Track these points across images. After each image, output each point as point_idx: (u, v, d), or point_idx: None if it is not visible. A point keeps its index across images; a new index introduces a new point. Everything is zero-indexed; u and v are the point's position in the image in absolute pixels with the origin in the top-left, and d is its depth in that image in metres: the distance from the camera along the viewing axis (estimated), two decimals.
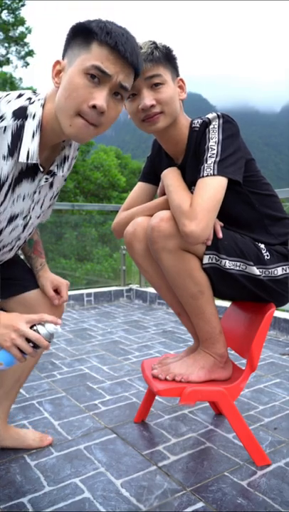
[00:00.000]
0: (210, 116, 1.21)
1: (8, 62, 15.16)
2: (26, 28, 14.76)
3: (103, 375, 2.04)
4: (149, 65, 1.16)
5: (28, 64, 15.49)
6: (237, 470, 1.25)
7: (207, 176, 1.13)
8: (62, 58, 0.98)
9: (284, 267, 1.26)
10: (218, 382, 1.26)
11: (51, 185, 1.16)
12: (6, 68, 15.15)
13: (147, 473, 1.24)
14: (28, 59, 15.42)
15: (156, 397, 1.70)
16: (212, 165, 1.14)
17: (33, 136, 0.97)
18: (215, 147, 1.16)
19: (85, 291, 3.84)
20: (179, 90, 1.25)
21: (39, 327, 0.98)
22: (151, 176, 1.43)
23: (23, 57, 15.30)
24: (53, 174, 1.10)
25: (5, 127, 0.93)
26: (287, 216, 1.33)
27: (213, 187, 1.12)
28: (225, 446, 1.38)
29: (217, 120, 1.19)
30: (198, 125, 1.23)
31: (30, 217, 1.16)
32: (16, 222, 1.12)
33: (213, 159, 1.14)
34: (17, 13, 14.50)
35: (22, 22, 14.60)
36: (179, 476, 1.22)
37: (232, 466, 1.27)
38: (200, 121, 1.24)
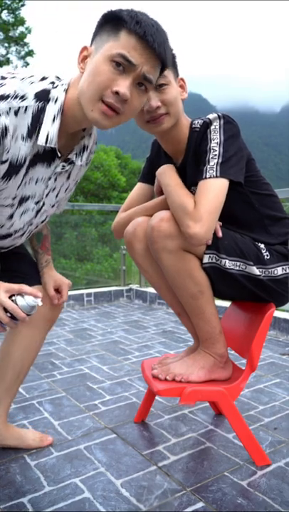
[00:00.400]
0: (211, 116, 1.21)
1: (8, 62, 15.16)
2: (26, 28, 14.75)
3: (103, 375, 2.04)
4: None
5: (28, 64, 15.48)
6: (237, 470, 1.25)
7: (210, 177, 1.13)
8: (91, 45, 0.97)
9: (284, 267, 1.26)
10: (218, 382, 1.26)
11: (68, 176, 1.15)
12: (6, 68, 15.16)
13: (147, 473, 1.24)
14: (28, 59, 15.41)
15: (156, 397, 1.70)
16: (215, 166, 1.14)
17: (54, 120, 0.96)
18: (217, 148, 1.16)
19: (85, 291, 3.84)
20: (181, 90, 1.25)
21: (18, 298, 0.97)
22: (151, 176, 1.44)
23: (23, 57, 15.29)
24: (71, 162, 1.09)
25: (26, 107, 0.93)
26: (287, 216, 1.33)
27: (216, 189, 1.12)
28: (225, 446, 1.38)
29: (218, 121, 1.19)
30: (198, 125, 1.23)
31: (44, 204, 1.14)
32: (27, 204, 1.10)
33: (215, 160, 1.14)
34: (17, 13, 14.50)
35: (22, 22, 14.60)
36: (179, 476, 1.22)
37: (232, 466, 1.27)
38: (200, 121, 1.23)
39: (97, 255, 6.04)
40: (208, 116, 1.22)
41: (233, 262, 1.20)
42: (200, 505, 1.10)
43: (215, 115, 1.21)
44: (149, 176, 1.44)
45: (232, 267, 1.20)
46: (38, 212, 1.15)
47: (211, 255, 1.20)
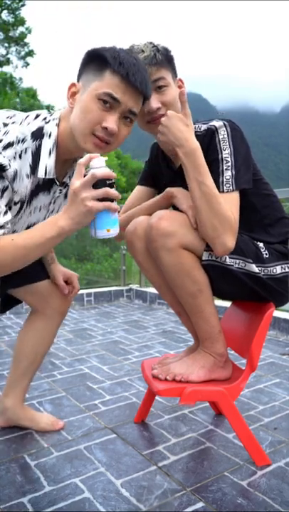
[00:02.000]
0: (216, 124, 1.21)
1: (8, 62, 15.17)
2: (26, 28, 14.77)
3: (103, 375, 2.04)
4: (153, 68, 1.19)
5: (28, 64, 15.50)
6: (237, 470, 1.25)
7: (228, 191, 1.16)
8: (78, 81, 1.07)
9: (283, 266, 1.26)
10: (218, 382, 1.26)
11: (65, 195, 1.22)
12: (6, 68, 15.17)
13: (147, 473, 1.24)
14: (28, 59, 15.44)
15: (156, 397, 1.70)
16: (230, 180, 1.17)
17: (50, 154, 1.06)
18: (229, 159, 1.18)
19: (85, 291, 3.84)
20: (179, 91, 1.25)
21: (89, 171, 0.93)
22: (150, 179, 1.46)
23: (23, 57, 15.31)
24: (66, 185, 1.19)
25: (26, 149, 1.03)
26: (287, 216, 1.34)
27: (235, 201, 1.17)
28: (225, 446, 1.38)
29: (225, 129, 1.20)
30: (199, 130, 1.23)
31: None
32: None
33: (229, 173, 1.17)
34: (17, 13, 14.52)
35: (22, 22, 14.62)
36: (179, 476, 1.22)
37: (232, 466, 1.27)
38: (204, 126, 1.23)
39: (97, 255, 6.04)
40: (213, 124, 1.21)
41: (233, 260, 1.20)
42: (200, 505, 1.10)
43: (220, 123, 1.21)
44: (148, 179, 1.46)
45: (232, 264, 1.20)
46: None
47: (211, 253, 1.20)
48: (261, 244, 1.25)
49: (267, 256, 1.24)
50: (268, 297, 1.28)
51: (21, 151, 1.01)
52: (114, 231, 0.97)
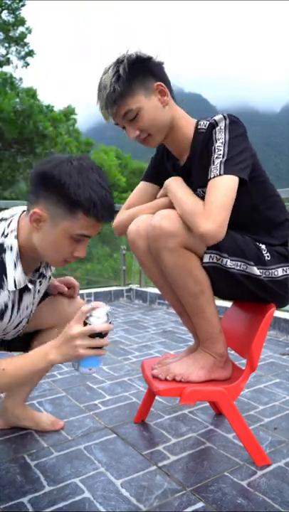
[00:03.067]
0: (216, 118, 1.21)
1: (8, 62, 15.16)
2: (26, 28, 14.76)
3: (103, 375, 2.04)
4: (115, 107, 1.19)
5: (28, 64, 15.49)
6: (237, 470, 1.25)
7: (214, 177, 1.13)
8: (37, 203, 1.05)
9: (284, 268, 1.26)
10: (218, 382, 1.26)
11: (44, 277, 1.28)
12: (6, 68, 15.15)
13: (147, 473, 1.24)
14: (28, 59, 15.42)
15: (156, 397, 1.70)
16: (218, 165, 1.14)
17: (15, 266, 1.10)
18: (221, 147, 1.16)
19: (85, 291, 3.84)
20: (160, 96, 1.23)
21: (90, 319, 1.00)
22: (154, 175, 1.43)
23: (23, 57, 15.30)
24: (43, 276, 1.26)
25: None
26: None
27: (223, 186, 1.12)
28: (225, 446, 1.38)
29: (223, 121, 1.19)
30: (204, 127, 1.23)
31: (32, 310, 1.28)
32: (22, 323, 1.26)
33: (219, 160, 1.14)
34: (17, 13, 14.51)
35: (22, 22, 14.61)
36: (179, 476, 1.22)
37: (232, 466, 1.27)
38: (206, 123, 1.23)
39: (97, 255, 6.04)
40: (214, 118, 1.21)
41: (234, 262, 1.20)
42: (200, 505, 1.10)
43: (220, 116, 1.20)
44: (152, 175, 1.44)
45: (233, 267, 1.20)
46: (31, 311, 1.29)
47: (212, 255, 1.19)
48: (263, 246, 1.25)
49: (268, 258, 1.24)
50: (268, 299, 1.28)
51: None
52: (95, 369, 1.06)
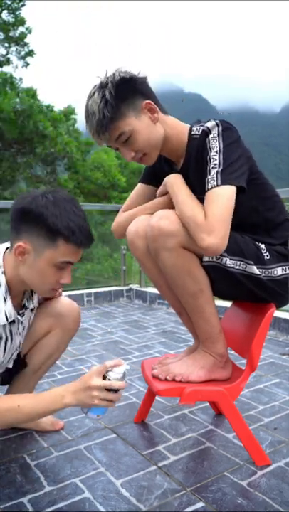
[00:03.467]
0: (209, 125, 1.19)
1: (8, 62, 15.16)
2: (26, 28, 14.76)
3: None
4: (107, 133, 1.18)
5: (28, 64, 15.49)
6: (237, 470, 1.25)
7: (212, 188, 1.12)
8: (19, 237, 1.11)
9: (284, 267, 1.25)
10: (218, 382, 1.26)
11: (27, 308, 1.31)
12: (6, 68, 15.14)
13: (147, 473, 1.24)
14: (28, 59, 15.42)
15: (156, 397, 1.70)
16: (215, 176, 1.13)
17: (5, 301, 1.15)
18: (216, 157, 1.15)
19: (85, 291, 3.84)
20: (150, 114, 1.22)
21: (109, 374, 1.08)
22: (152, 177, 1.43)
23: (23, 58, 15.30)
24: (25, 307, 1.29)
25: None
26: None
27: (222, 197, 1.11)
28: (225, 446, 1.38)
29: (216, 128, 1.18)
30: (197, 133, 1.22)
31: (21, 341, 1.32)
32: (13, 356, 1.31)
33: (215, 170, 1.14)
34: (17, 13, 14.51)
35: (22, 22, 14.61)
36: (179, 476, 1.22)
37: (232, 466, 1.27)
38: (200, 128, 1.22)
39: (97, 255, 6.03)
40: (206, 125, 1.20)
41: (234, 261, 1.20)
42: (200, 505, 1.10)
43: (213, 123, 1.19)
44: (150, 176, 1.44)
45: (232, 266, 1.20)
46: (20, 342, 1.32)
47: None
48: (262, 246, 1.25)
49: (268, 257, 1.24)
50: (268, 298, 1.28)
51: None
52: (102, 416, 1.13)
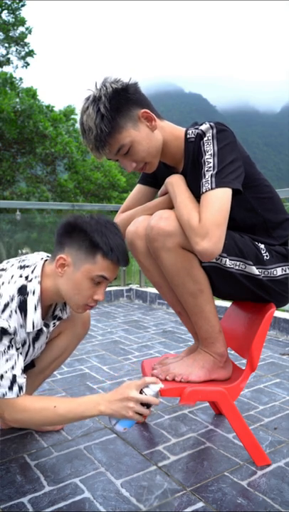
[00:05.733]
0: (203, 127, 1.18)
1: (8, 62, 15.16)
2: (26, 29, 14.76)
3: (103, 375, 2.04)
4: (106, 148, 1.17)
5: (28, 64, 15.49)
6: (237, 470, 1.25)
7: (206, 191, 1.11)
8: (62, 250, 1.17)
9: (283, 268, 1.25)
10: (218, 382, 1.26)
11: (60, 319, 1.37)
12: (6, 68, 15.15)
13: (147, 473, 1.24)
14: (28, 59, 15.41)
15: None
16: (209, 179, 1.12)
17: (35, 309, 1.18)
18: (211, 160, 1.14)
19: None
20: (148, 123, 1.21)
21: (146, 390, 1.12)
22: (151, 178, 1.44)
23: (23, 58, 15.30)
24: (59, 318, 1.34)
25: (16, 306, 1.14)
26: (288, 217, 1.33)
27: (216, 200, 1.10)
28: (225, 446, 1.38)
29: (210, 131, 1.16)
30: (193, 136, 1.22)
31: (42, 348, 1.36)
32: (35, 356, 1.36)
33: (210, 173, 1.12)
34: (17, 13, 14.50)
35: (22, 22, 14.60)
36: (179, 476, 1.22)
37: (232, 466, 1.27)
38: (195, 132, 1.21)
39: None
40: (200, 128, 1.19)
41: (233, 262, 1.20)
42: (200, 505, 1.10)
43: (207, 125, 1.18)
44: (149, 178, 1.44)
45: (232, 266, 1.20)
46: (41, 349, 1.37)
47: None
48: (262, 246, 1.25)
49: (267, 258, 1.24)
50: (268, 298, 1.28)
51: (15, 309, 1.13)
52: (128, 429, 1.16)
